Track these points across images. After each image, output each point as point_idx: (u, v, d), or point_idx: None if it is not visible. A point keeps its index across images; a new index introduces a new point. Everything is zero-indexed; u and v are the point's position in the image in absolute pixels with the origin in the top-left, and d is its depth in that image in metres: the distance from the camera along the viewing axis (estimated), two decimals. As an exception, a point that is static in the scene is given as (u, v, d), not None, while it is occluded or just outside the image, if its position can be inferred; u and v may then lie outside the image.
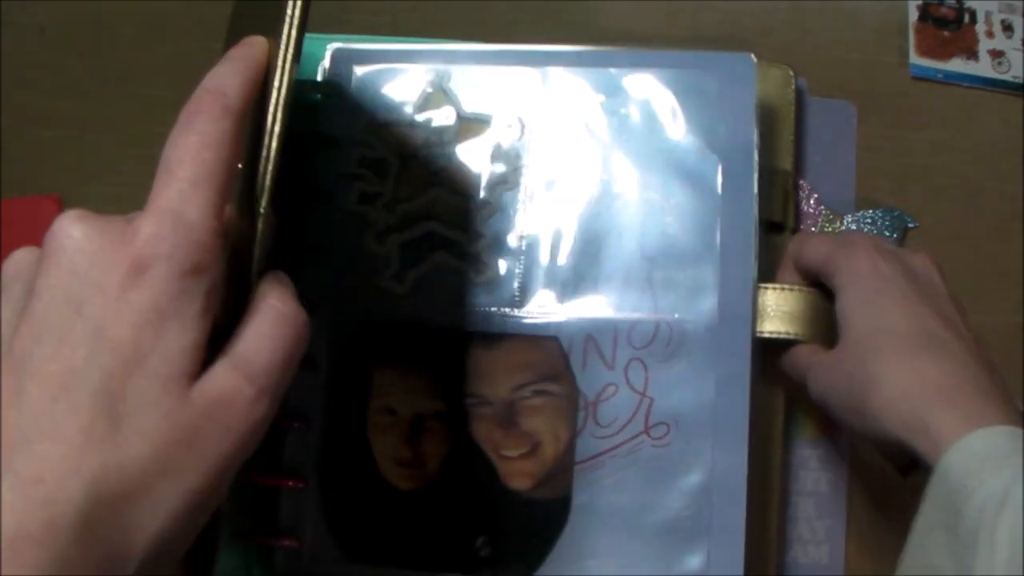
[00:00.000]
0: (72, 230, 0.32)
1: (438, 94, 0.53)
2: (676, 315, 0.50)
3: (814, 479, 0.56)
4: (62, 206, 0.51)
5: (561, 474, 0.49)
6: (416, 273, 0.51)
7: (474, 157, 0.52)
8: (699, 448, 0.48)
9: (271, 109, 0.36)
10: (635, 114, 0.53)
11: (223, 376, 0.32)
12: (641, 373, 0.49)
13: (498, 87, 0.53)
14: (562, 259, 0.51)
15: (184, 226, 0.32)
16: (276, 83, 0.36)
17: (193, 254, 0.32)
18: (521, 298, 0.50)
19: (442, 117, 0.53)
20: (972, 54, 0.63)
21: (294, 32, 0.36)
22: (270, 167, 0.35)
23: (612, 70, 0.53)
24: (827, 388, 0.48)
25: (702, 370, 0.49)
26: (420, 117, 0.53)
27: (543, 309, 0.50)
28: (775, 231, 0.55)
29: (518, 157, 0.52)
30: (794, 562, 0.55)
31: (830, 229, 0.59)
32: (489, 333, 0.50)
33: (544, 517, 0.48)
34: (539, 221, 0.52)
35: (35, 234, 0.50)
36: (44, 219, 0.51)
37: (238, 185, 0.36)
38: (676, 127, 0.52)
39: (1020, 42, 0.63)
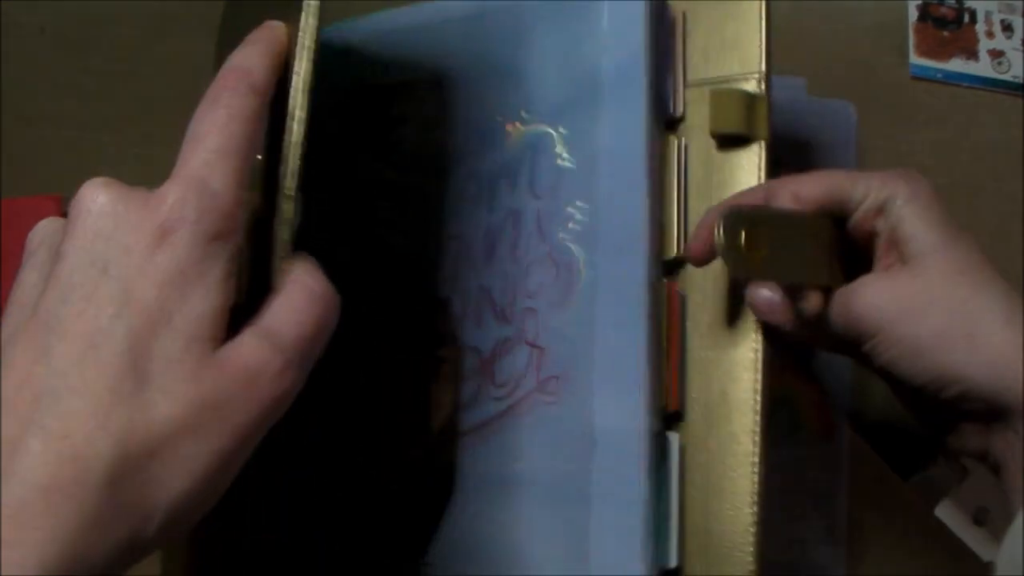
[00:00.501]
0: (98, 195, 0.33)
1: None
2: (574, 255, 0.44)
3: (814, 479, 0.56)
4: (62, 206, 0.51)
5: (447, 443, 0.45)
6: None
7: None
8: (584, 402, 0.42)
9: (293, 93, 0.36)
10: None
11: (250, 345, 0.32)
12: (534, 322, 0.44)
13: None
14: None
15: (209, 193, 0.33)
16: (297, 67, 0.36)
17: (218, 220, 0.32)
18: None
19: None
20: (972, 54, 0.63)
21: (311, 19, 0.37)
22: (299, 151, 0.36)
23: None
24: (899, 313, 0.41)
25: (590, 313, 0.43)
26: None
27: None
28: (735, 144, 0.45)
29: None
30: (794, 562, 0.55)
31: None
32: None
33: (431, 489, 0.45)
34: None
35: (35, 234, 0.50)
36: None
37: (256, 164, 0.37)
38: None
39: (1020, 42, 0.63)
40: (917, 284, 0.41)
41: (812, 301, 0.42)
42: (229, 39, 0.48)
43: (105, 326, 0.31)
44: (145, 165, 0.59)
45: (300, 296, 0.34)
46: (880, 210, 0.43)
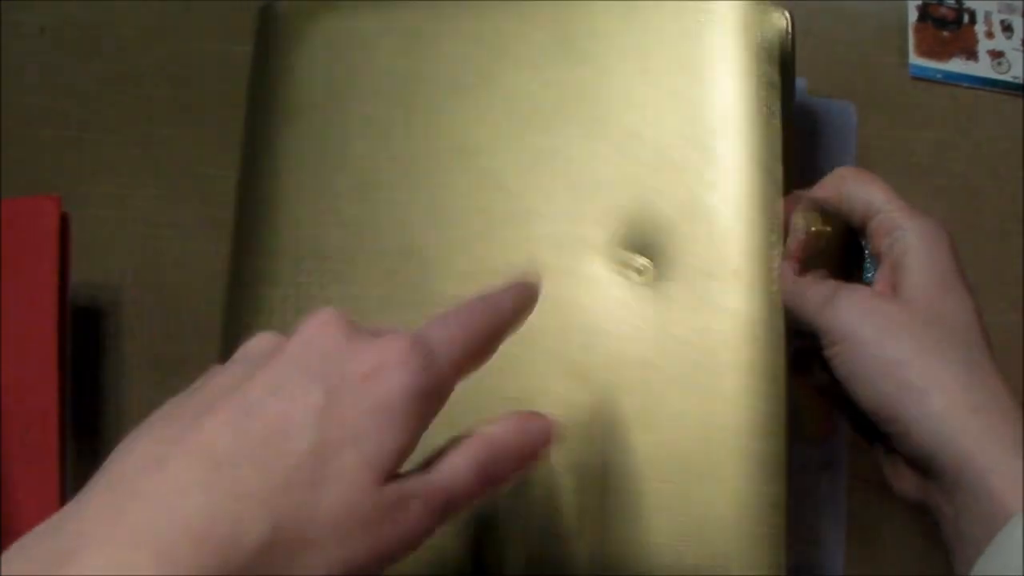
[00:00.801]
0: (328, 325, 0.35)
1: None
2: None
3: (814, 479, 0.56)
4: (62, 206, 0.51)
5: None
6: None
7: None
8: None
9: None
10: None
11: (410, 490, 0.34)
12: None
13: None
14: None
15: (434, 356, 0.35)
16: None
17: (433, 382, 0.34)
18: None
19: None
20: (972, 54, 0.63)
21: None
22: None
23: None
24: (871, 335, 0.43)
25: None
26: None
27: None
28: None
29: None
30: (794, 562, 0.55)
31: (830, 229, 0.59)
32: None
33: None
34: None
35: (35, 234, 0.50)
36: (44, 219, 0.51)
37: None
38: None
39: (1020, 42, 0.63)
40: (898, 314, 0.43)
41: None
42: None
43: (300, 422, 0.32)
44: (145, 165, 0.59)
45: (476, 456, 0.36)
46: (888, 234, 0.45)
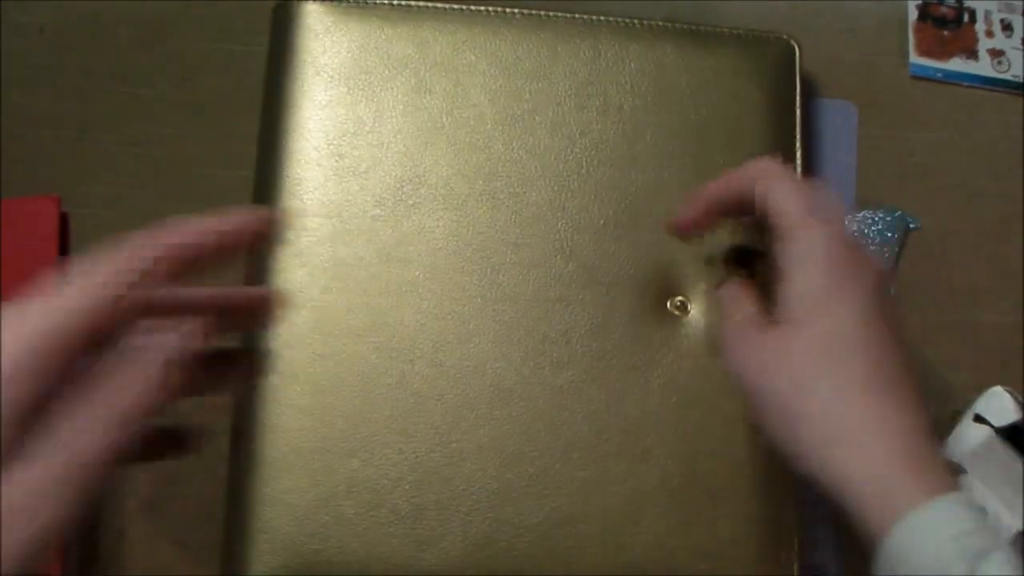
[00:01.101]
0: None
1: None
2: None
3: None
4: (62, 206, 0.51)
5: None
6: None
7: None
8: None
9: None
10: None
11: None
12: None
13: None
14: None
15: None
16: None
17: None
18: None
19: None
20: (972, 53, 0.63)
21: None
22: None
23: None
24: (755, 372, 0.44)
25: None
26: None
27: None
28: None
29: None
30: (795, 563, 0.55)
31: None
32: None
33: None
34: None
35: (35, 234, 0.50)
36: (44, 219, 0.51)
37: None
38: None
39: (1020, 41, 0.63)
40: (775, 345, 0.43)
41: None
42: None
43: None
44: (145, 165, 0.59)
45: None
46: (780, 240, 0.44)
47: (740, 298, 0.47)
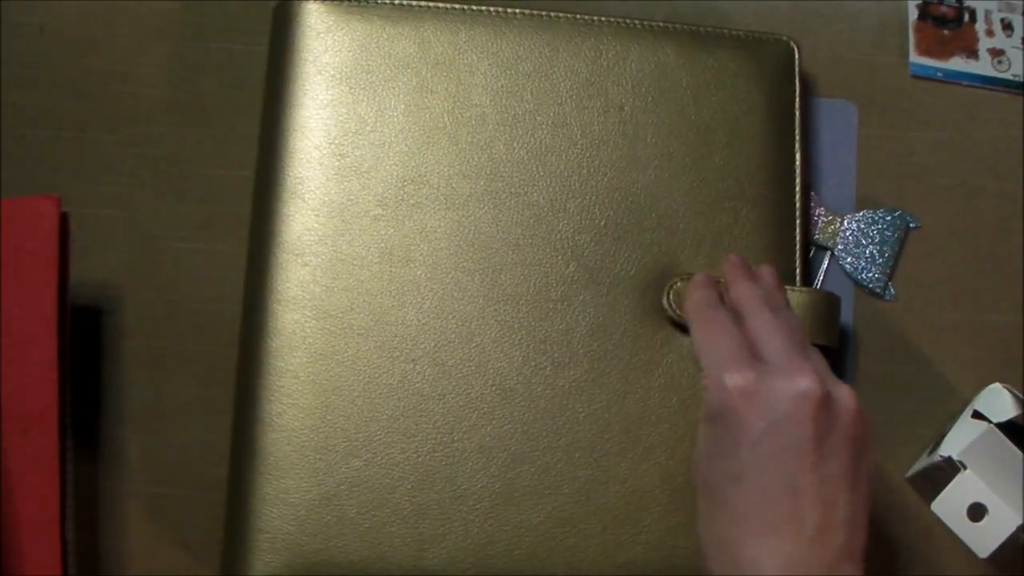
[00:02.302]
0: None
1: None
2: None
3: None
4: (62, 206, 0.51)
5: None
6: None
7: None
8: None
9: None
10: None
11: None
12: None
13: None
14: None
15: None
16: None
17: None
18: None
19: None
20: (972, 53, 0.63)
21: None
22: None
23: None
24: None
25: None
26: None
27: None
28: None
29: None
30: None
31: (830, 231, 0.59)
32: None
33: None
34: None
35: (35, 234, 0.50)
36: (44, 219, 0.51)
37: None
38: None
39: (1020, 40, 0.63)
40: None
41: None
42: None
43: None
44: (145, 165, 0.59)
45: None
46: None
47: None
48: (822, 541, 0.42)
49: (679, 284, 0.53)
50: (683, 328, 0.53)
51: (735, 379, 0.45)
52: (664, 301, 0.53)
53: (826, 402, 0.44)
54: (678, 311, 0.52)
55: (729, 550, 0.44)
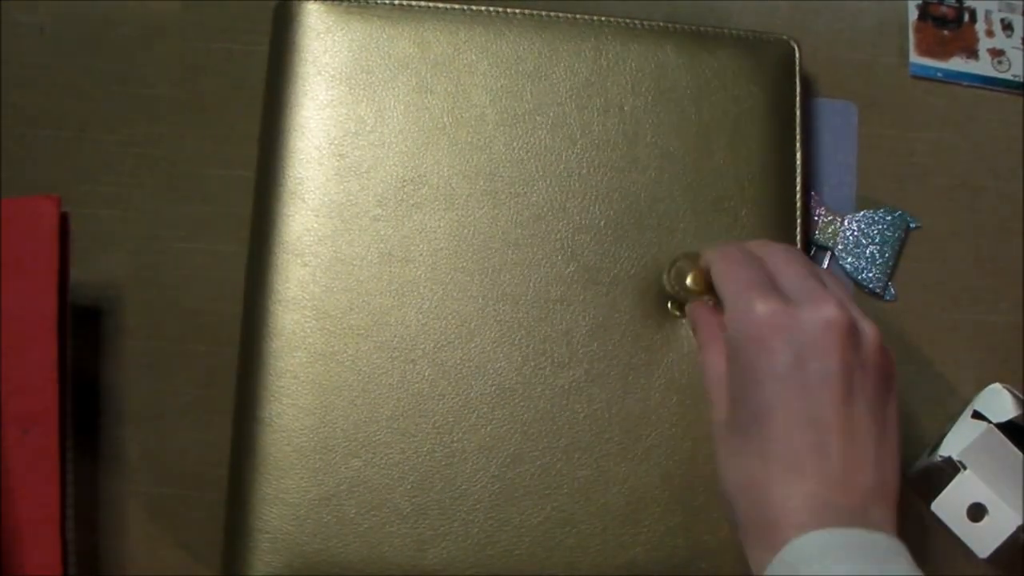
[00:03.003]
0: None
1: None
2: None
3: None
4: (62, 206, 0.51)
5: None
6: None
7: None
8: None
9: None
10: None
11: None
12: None
13: None
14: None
15: None
16: None
17: None
18: None
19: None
20: (972, 53, 0.63)
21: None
22: None
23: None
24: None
25: None
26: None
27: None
28: None
29: None
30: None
31: (830, 231, 0.59)
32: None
33: None
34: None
35: (35, 234, 0.50)
36: (44, 219, 0.51)
37: None
38: None
39: (1020, 41, 0.63)
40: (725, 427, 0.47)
41: None
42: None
43: None
44: (145, 165, 0.59)
45: None
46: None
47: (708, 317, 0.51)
48: (850, 480, 0.41)
49: (680, 262, 0.52)
50: (681, 308, 0.53)
51: (760, 307, 0.44)
52: (665, 277, 0.53)
53: (852, 331, 0.44)
54: (678, 288, 0.52)
55: (752, 492, 0.43)
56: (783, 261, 0.47)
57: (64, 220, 0.52)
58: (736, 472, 0.44)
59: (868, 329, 0.45)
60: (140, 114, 0.59)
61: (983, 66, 0.62)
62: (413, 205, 0.54)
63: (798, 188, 0.56)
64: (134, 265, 0.57)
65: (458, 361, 0.52)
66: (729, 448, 0.45)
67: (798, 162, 0.56)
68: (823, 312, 0.44)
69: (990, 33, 0.63)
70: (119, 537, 0.54)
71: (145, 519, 0.54)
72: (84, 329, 0.56)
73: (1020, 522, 0.52)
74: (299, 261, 0.53)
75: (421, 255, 0.53)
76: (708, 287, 0.50)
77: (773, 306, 0.44)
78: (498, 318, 0.53)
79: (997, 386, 0.54)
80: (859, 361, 0.44)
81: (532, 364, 0.52)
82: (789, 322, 0.44)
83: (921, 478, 0.56)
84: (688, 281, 0.52)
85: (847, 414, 0.42)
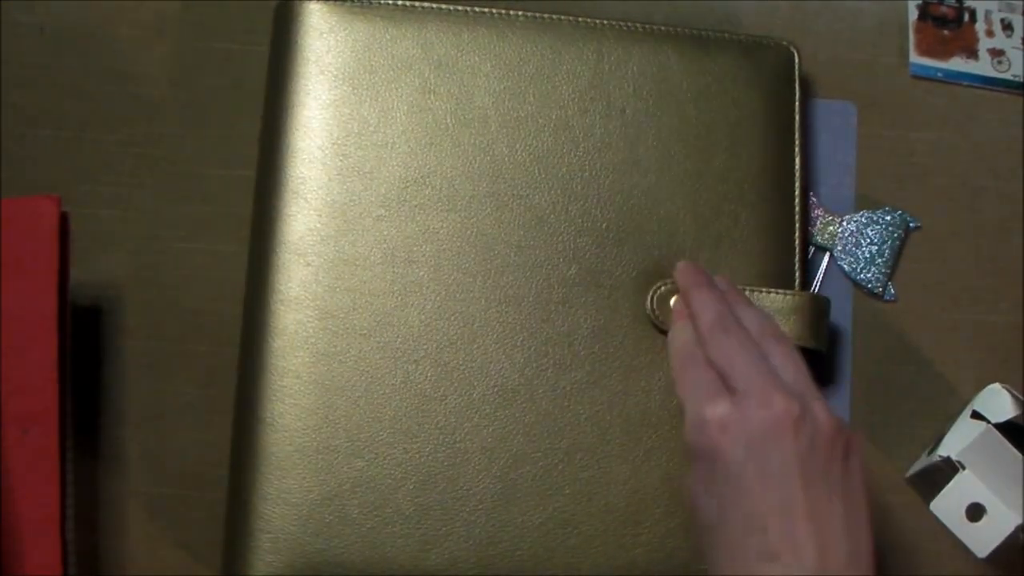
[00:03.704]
0: None
1: None
2: None
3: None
4: (62, 206, 0.51)
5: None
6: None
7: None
8: None
9: None
10: None
11: None
12: None
13: None
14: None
15: None
16: None
17: None
18: None
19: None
20: (972, 53, 0.63)
21: None
22: None
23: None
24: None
25: None
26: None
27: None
28: None
29: None
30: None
31: (829, 231, 0.59)
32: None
33: None
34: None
35: (35, 234, 0.50)
36: (44, 219, 0.51)
37: None
38: None
39: (1020, 41, 0.63)
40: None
41: None
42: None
43: None
44: (145, 165, 0.59)
45: None
46: None
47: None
48: (825, 558, 0.42)
49: (663, 289, 0.53)
50: (665, 332, 0.53)
51: (708, 412, 0.45)
52: (648, 305, 0.53)
53: (800, 419, 0.44)
54: (661, 316, 0.53)
55: None
56: (725, 349, 0.47)
57: (64, 220, 0.52)
58: (714, 567, 0.44)
59: (817, 409, 0.45)
60: (140, 114, 0.59)
61: (983, 66, 0.62)
62: (416, 206, 0.54)
63: (797, 191, 0.56)
64: (134, 265, 0.57)
65: (461, 362, 0.52)
66: (704, 543, 0.45)
67: (797, 166, 0.57)
68: (771, 406, 0.44)
69: (990, 33, 0.63)
70: (119, 537, 0.54)
71: (145, 519, 0.54)
72: (84, 329, 0.56)
73: (1019, 522, 0.52)
74: (302, 261, 0.53)
75: (424, 256, 0.53)
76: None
77: (723, 408, 0.45)
78: (500, 319, 0.53)
79: (997, 386, 0.54)
80: (811, 445, 0.44)
81: (534, 365, 0.52)
82: (739, 421, 0.44)
83: (921, 478, 0.56)
84: (673, 304, 0.53)
85: (810, 498, 0.43)
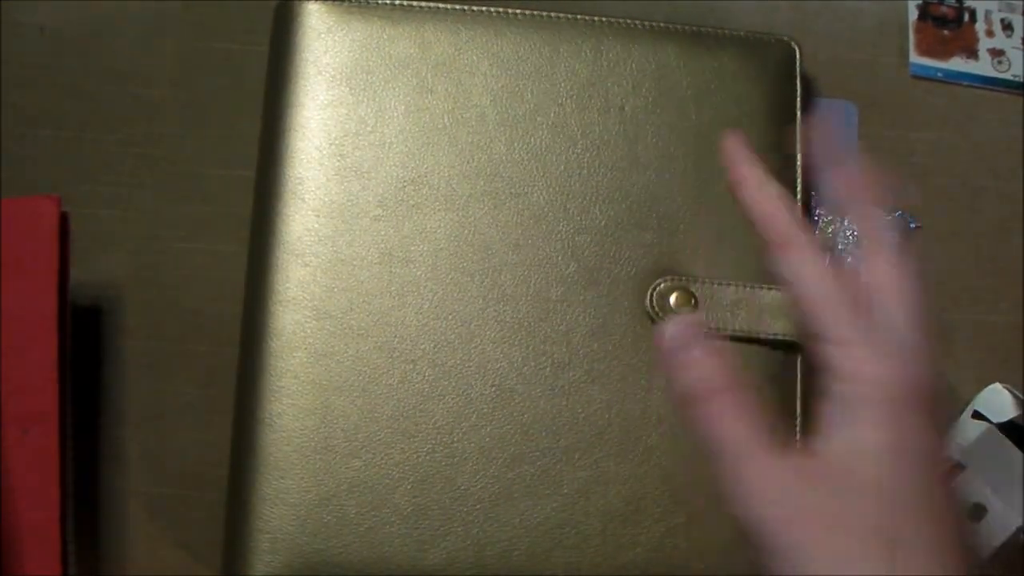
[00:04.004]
0: None
1: None
2: None
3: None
4: (62, 206, 0.51)
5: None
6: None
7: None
8: None
9: None
10: None
11: None
12: None
13: None
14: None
15: None
16: None
17: None
18: None
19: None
20: (972, 53, 0.63)
21: None
22: None
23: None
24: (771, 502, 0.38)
25: None
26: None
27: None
28: None
29: None
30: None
31: (830, 230, 0.59)
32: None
33: None
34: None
35: (35, 234, 0.50)
36: (44, 219, 0.51)
37: None
38: None
39: (1020, 41, 0.63)
40: (803, 491, 0.37)
41: None
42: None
43: None
44: (145, 165, 0.59)
45: None
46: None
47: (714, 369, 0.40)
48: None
49: (662, 286, 0.53)
50: None
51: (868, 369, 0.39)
52: (647, 303, 0.53)
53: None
54: (660, 314, 0.52)
55: (823, 563, 0.35)
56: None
57: (64, 220, 0.52)
58: (801, 530, 0.37)
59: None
60: (140, 114, 0.59)
61: (983, 66, 0.62)
62: (414, 206, 0.54)
63: (799, 189, 0.56)
64: (134, 265, 0.57)
65: (458, 361, 0.52)
66: (802, 500, 0.37)
67: (798, 163, 0.57)
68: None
69: (990, 33, 0.63)
70: (119, 537, 0.54)
71: (145, 519, 0.54)
72: (84, 329, 0.56)
73: (1020, 522, 0.52)
74: (299, 261, 0.53)
75: (422, 255, 0.53)
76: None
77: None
78: (498, 318, 0.53)
79: (997, 386, 0.54)
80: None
81: (532, 364, 0.52)
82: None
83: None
84: (672, 301, 0.53)
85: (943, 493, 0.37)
